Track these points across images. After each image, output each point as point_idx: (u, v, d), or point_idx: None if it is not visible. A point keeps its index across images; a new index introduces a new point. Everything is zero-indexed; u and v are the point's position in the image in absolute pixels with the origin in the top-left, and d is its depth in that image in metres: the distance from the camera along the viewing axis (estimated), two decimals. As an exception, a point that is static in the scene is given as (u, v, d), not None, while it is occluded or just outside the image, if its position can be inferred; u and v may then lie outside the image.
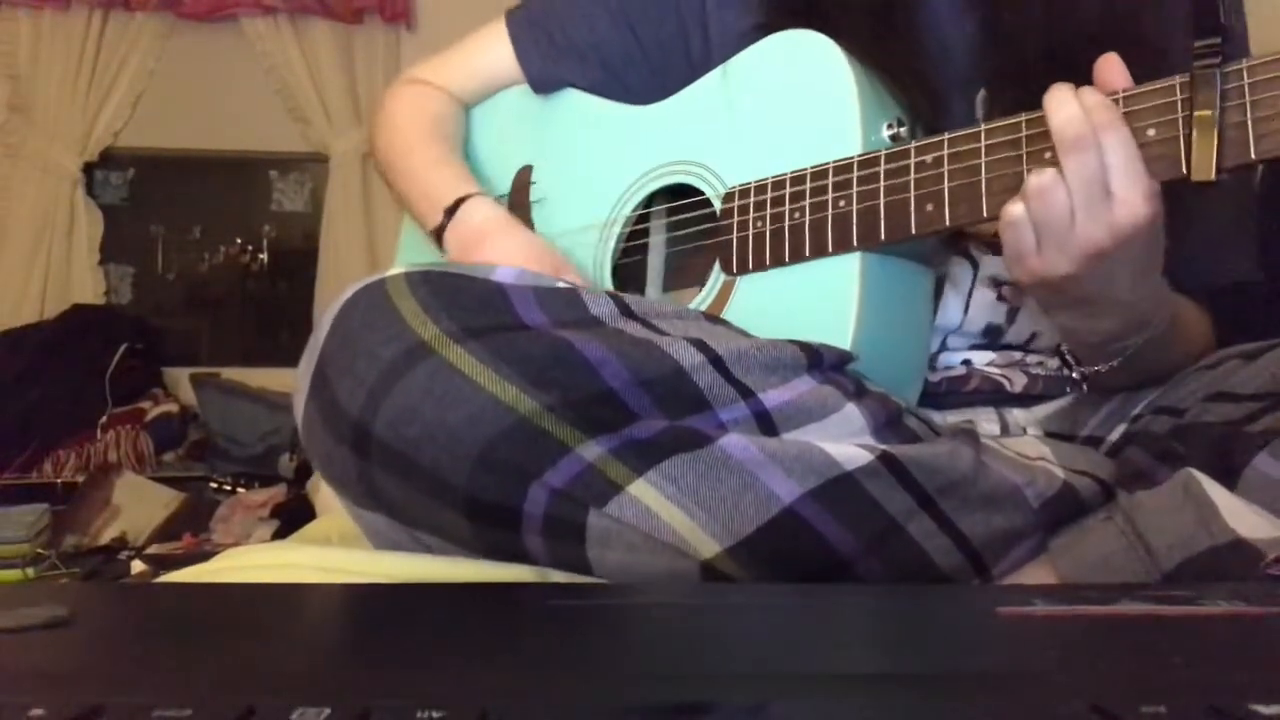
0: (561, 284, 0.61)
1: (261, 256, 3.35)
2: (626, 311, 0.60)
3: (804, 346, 0.61)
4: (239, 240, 3.34)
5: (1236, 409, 0.62)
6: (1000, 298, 0.78)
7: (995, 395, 0.79)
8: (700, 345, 0.57)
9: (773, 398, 0.58)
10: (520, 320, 0.56)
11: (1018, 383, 0.79)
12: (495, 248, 0.81)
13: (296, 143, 3.19)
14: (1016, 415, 0.79)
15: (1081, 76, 0.63)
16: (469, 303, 0.56)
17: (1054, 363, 0.81)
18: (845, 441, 0.58)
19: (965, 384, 0.79)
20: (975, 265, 0.78)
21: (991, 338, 0.80)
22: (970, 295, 0.79)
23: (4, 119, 3.03)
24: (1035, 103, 0.62)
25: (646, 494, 0.53)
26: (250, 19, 3.13)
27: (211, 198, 3.32)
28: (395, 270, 0.58)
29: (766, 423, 0.57)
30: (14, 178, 3.03)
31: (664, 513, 0.54)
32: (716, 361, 0.57)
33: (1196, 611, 0.43)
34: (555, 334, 0.55)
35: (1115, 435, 0.74)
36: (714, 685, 0.32)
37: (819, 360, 0.61)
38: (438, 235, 0.86)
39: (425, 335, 0.54)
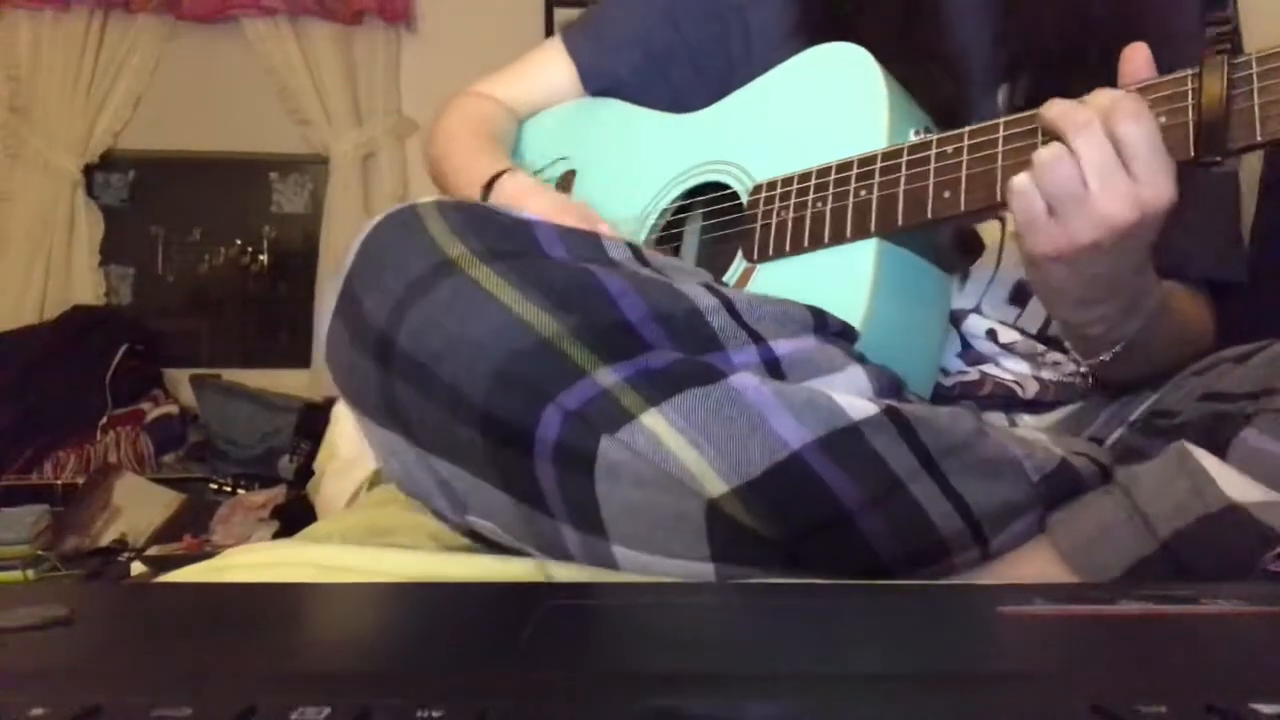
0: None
1: (261, 257, 3.35)
2: (641, 259, 0.62)
3: (811, 309, 0.62)
4: (239, 241, 3.34)
5: (1228, 408, 0.63)
6: None
7: (1007, 401, 0.79)
8: (713, 290, 0.59)
9: (783, 346, 0.59)
10: (544, 251, 0.58)
11: (1029, 389, 0.80)
12: (531, 206, 0.82)
13: (296, 144, 3.19)
14: (1026, 420, 0.80)
15: (1101, 66, 0.64)
16: (496, 230, 0.58)
17: (1069, 366, 0.81)
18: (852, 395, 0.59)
19: (979, 389, 0.79)
20: (1002, 221, 0.79)
21: (1021, 302, 0.80)
22: (1001, 249, 0.80)
23: (4, 120, 3.03)
24: (1057, 94, 0.63)
25: (658, 424, 0.54)
26: (250, 20, 3.13)
27: (211, 199, 3.31)
28: (426, 198, 0.60)
29: (775, 370, 0.59)
30: (14, 179, 3.03)
31: (674, 445, 0.54)
32: (729, 306, 0.58)
33: (1196, 611, 0.43)
34: (577, 264, 0.57)
35: (1113, 438, 0.75)
36: (714, 685, 0.32)
37: (824, 324, 0.63)
38: None
39: (452, 253, 0.55)
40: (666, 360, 0.55)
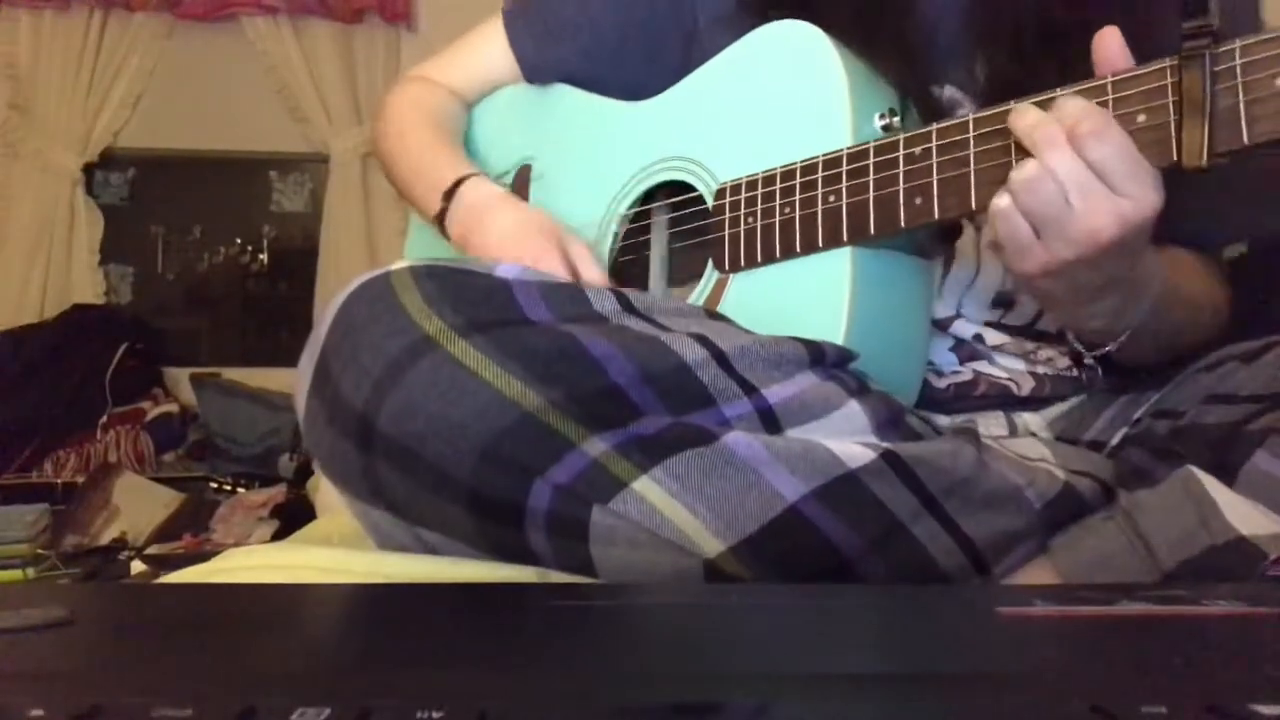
0: (564, 280, 0.61)
1: (261, 256, 3.35)
2: (629, 308, 0.60)
3: (806, 343, 0.61)
4: (239, 240, 3.34)
5: (1234, 411, 0.62)
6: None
7: (1003, 399, 0.79)
8: (704, 341, 0.57)
9: (776, 394, 0.58)
10: (525, 315, 0.56)
11: (1025, 386, 0.79)
12: (496, 223, 0.80)
13: (296, 143, 3.19)
14: (1025, 418, 0.79)
15: (1076, 46, 0.61)
16: (474, 297, 0.55)
17: (1063, 361, 0.80)
18: (848, 439, 0.58)
19: (973, 389, 0.78)
20: (979, 230, 0.77)
21: (1004, 306, 0.78)
22: (978, 256, 0.78)
23: (4, 119, 3.03)
24: (1032, 73, 0.61)
25: (651, 491, 0.53)
26: (250, 19, 3.13)
27: (211, 198, 3.31)
28: (399, 264, 0.58)
29: (770, 419, 0.58)
30: (14, 178, 3.03)
31: (668, 510, 0.54)
32: (720, 358, 0.57)
33: (1196, 611, 0.43)
34: (561, 329, 0.55)
35: (1116, 439, 0.74)
36: (714, 685, 0.32)
37: (821, 357, 0.61)
38: (440, 221, 0.85)
39: (429, 329, 0.54)
40: (657, 426, 0.54)
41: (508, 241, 0.78)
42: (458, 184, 0.84)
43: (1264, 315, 0.77)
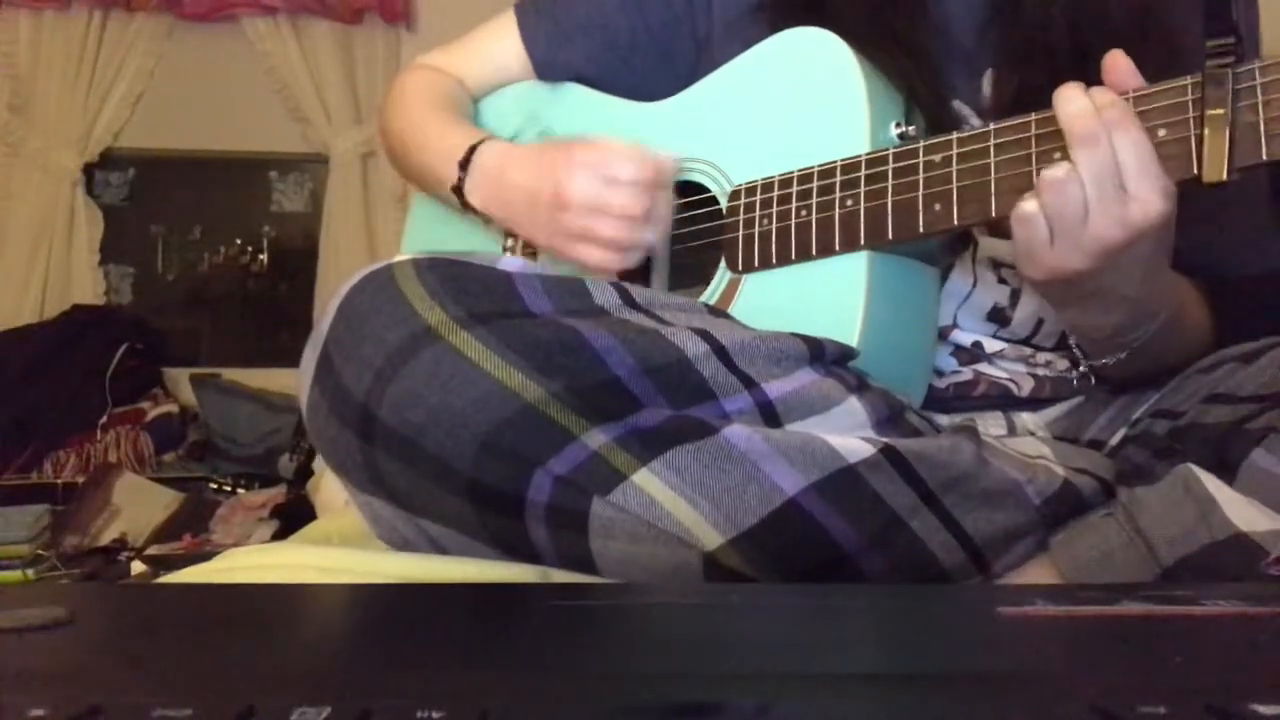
0: (565, 273, 0.61)
1: (261, 257, 3.35)
2: (630, 302, 0.60)
3: (806, 339, 0.61)
4: (239, 240, 3.34)
5: (1234, 411, 0.62)
6: (1001, 280, 0.78)
7: (1003, 399, 0.79)
8: (704, 335, 0.57)
9: (775, 389, 0.58)
10: (526, 308, 0.56)
11: (1025, 386, 0.79)
12: (515, 175, 0.80)
13: (296, 143, 3.19)
14: (1025, 418, 0.79)
15: (1094, 62, 0.63)
16: (475, 289, 0.56)
17: (1062, 363, 0.80)
18: (848, 434, 0.58)
19: (973, 389, 0.78)
20: (975, 245, 0.78)
21: (998, 322, 0.79)
22: (974, 272, 0.78)
23: (4, 119, 3.03)
24: (1043, 85, 0.62)
25: (650, 483, 0.54)
26: (250, 19, 3.13)
27: (211, 198, 3.32)
28: (401, 257, 0.58)
29: (770, 413, 0.58)
30: (14, 178, 3.03)
31: (667, 503, 0.54)
32: (720, 351, 0.57)
33: (1196, 611, 0.43)
34: (562, 321, 0.55)
35: (1116, 439, 0.74)
36: (714, 685, 0.32)
37: (821, 353, 0.62)
38: (459, 193, 0.85)
39: (431, 320, 0.54)
40: (657, 419, 0.54)
41: (523, 207, 0.78)
42: (473, 150, 0.84)
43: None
